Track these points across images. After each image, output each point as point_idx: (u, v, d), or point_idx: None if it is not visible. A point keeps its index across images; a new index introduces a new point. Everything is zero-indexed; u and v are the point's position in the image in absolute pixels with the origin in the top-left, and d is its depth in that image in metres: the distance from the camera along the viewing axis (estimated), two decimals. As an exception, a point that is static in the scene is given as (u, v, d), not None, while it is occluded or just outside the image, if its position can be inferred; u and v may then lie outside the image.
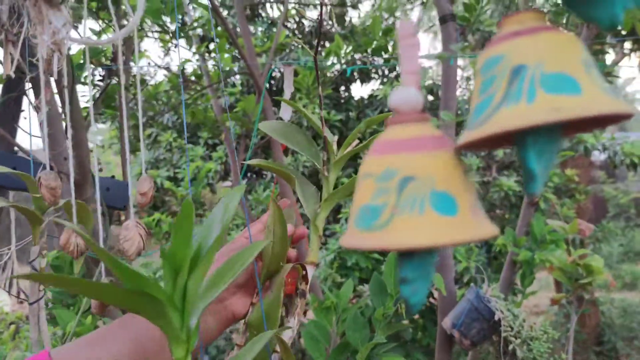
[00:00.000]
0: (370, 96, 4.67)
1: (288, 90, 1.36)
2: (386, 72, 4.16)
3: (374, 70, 3.97)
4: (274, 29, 4.39)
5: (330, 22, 4.60)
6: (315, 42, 4.71)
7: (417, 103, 0.26)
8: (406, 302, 0.23)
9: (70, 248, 0.45)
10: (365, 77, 4.42)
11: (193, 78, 2.45)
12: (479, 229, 0.23)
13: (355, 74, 4.36)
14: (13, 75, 0.51)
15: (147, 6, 1.50)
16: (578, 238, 2.52)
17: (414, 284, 0.23)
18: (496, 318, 1.50)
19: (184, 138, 4.37)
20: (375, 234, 0.23)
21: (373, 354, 1.08)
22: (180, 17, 2.00)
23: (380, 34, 2.34)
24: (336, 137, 0.65)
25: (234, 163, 2.27)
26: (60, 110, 1.07)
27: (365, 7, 5.32)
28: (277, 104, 4.12)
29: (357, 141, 0.62)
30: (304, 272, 0.57)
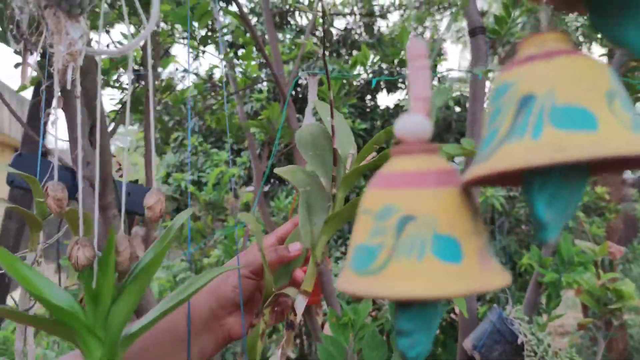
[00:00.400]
0: (397, 106, 4.63)
1: (312, 99, 1.35)
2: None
3: (400, 80, 3.93)
4: (302, 37, 4.41)
5: (358, 32, 4.58)
6: (342, 51, 4.70)
7: (424, 132, 0.24)
8: (403, 355, 0.21)
9: (72, 261, 0.45)
10: (392, 87, 4.39)
11: (222, 83, 2.46)
12: (487, 279, 0.21)
13: (381, 83, 4.33)
14: (28, 84, 0.50)
15: (175, 12, 1.51)
16: (608, 259, 2.43)
17: (412, 337, 0.21)
18: (519, 342, 1.45)
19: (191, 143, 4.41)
20: (369, 279, 0.21)
21: (388, 374, 1.05)
22: (210, 23, 2.01)
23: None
24: (353, 151, 0.61)
25: (256, 169, 2.27)
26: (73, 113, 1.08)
27: (394, 16, 5.24)
28: (301, 112, 4.12)
29: (374, 154, 0.58)
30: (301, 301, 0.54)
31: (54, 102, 0.57)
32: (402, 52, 2.39)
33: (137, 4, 0.51)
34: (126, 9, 0.59)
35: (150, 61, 0.52)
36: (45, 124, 1.45)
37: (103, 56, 1.37)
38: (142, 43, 0.54)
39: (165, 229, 0.56)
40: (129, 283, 0.44)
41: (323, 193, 0.56)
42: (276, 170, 0.58)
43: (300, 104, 4.06)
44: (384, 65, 2.88)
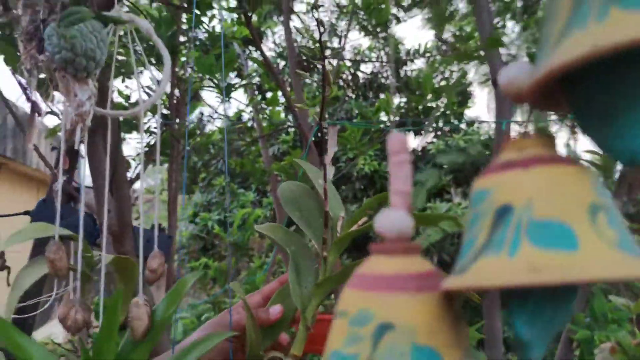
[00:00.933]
0: (423, 149, 4.62)
1: (331, 149, 1.35)
2: (440, 124, 4.11)
3: (427, 124, 3.93)
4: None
5: (385, 75, 4.64)
6: (369, 94, 4.75)
7: (405, 229, 0.23)
8: None
9: (68, 323, 0.44)
10: (418, 130, 4.40)
11: (247, 127, 2.50)
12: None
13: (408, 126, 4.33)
14: (32, 147, 0.51)
15: (201, 61, 1.56)
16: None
17: None
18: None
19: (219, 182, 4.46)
20: (342, 393, 0.20)
21: None
22: (235, 69, 2.07)
23: (431, 91, 2.33)
24: (343, 214, 0.60)
25: (279, 213, 2.28)
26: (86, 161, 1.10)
27: (420, 61, 5.28)
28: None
29: (365, 219, 0.57)
30: None
31: (60, 162, 0.58)
32: (427, 98, 2.40)
33: (146, 61, 0.52)
34: (143, 60, 0.61)
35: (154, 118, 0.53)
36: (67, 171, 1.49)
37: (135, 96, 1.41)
38: (158, 100, 0.56)
39: (176, 284, 0.56)
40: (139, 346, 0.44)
41: (309, 253, 0.56)
42: (256, 227, 0.58)
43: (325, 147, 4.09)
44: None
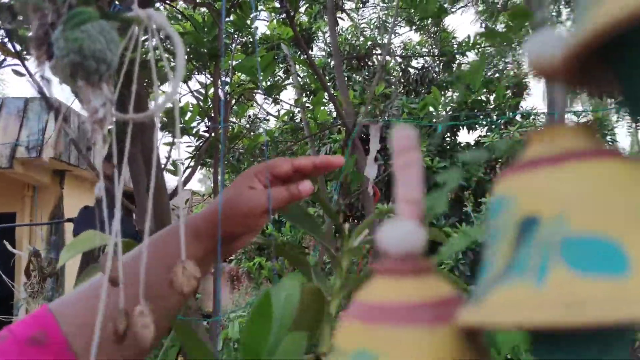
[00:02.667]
0: (477, 143, 4.45)
1: (374, 147, 1.31)
2: (494, 117, 3.95)
3: (481, 118, 3.78)
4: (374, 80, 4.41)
5: (436, 70, 4.52)
6: (421, 89, 4.64)
7: (415, 245, 0.19)
8: None
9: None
10: (471, 124, 4.24)
11: (294, 128, 2.49)
12: None
13: (461, 120, 4.19)
14: (58, 156, 0.50)
15: (242, 64, 1.55)
16: None
17: None
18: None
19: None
20: None
21: None
22: (281, 70, 2.06)
23: (480, 85, 2.23)
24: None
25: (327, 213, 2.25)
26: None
27: (472, 53, 5.08)
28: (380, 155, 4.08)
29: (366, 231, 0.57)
30: None
31: (98, 168, 0.57)
32: (475, 94, 2.30)
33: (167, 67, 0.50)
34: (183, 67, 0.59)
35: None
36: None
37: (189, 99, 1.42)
38: (169, 104, 0.54)
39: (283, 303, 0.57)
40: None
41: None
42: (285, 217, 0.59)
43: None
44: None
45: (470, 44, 3.25)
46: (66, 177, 4.86)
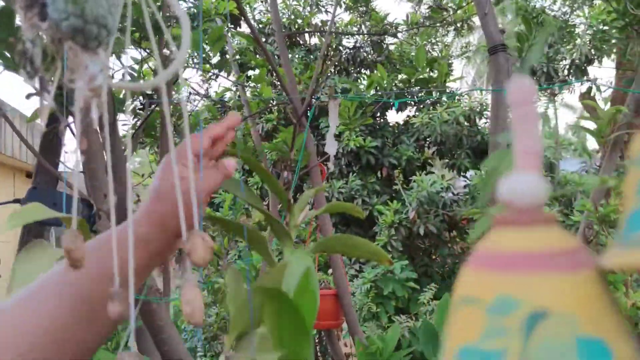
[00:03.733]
0: (406, 122, 4.59)
1: (333, 123, 1.31)
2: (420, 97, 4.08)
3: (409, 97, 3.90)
4: (311, 56, 4.39)
5: (367, 50, 4.57)
6: (351, 69, 4.69)
7: (539, 195, 0.20)
8: None
9: (112, 317, 0.41)
10: (401, 104, 4.36)
11: (235, 106, 2.44)
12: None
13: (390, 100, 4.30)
14: (44, 126, 0.46)
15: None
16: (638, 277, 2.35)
17: None
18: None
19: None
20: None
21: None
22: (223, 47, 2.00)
23: (424, 64, 2.29)
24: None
25: (272, 192, 2.24)
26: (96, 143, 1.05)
27: (401, 35, 5.18)
28: (314, 133, 4.09)
29: (308, 206, 0.61)
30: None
31: (77, 142, 0.53)
32: (418, 72, 2.36)
33: (150, 32, 0.47)
34: (154, 38, 0.56)
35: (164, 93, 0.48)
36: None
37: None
38: (170, 75, 0.51)
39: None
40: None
41: None
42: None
43: (310, 125, 4.04)
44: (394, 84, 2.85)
45: (408, 24, 3.32)
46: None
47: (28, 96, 1.26)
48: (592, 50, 3.61)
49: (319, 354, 3.73)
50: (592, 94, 3.32)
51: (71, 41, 0.48)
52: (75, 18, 0.44)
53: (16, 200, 1.00)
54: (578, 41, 3.45)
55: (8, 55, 1.16)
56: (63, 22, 0.44)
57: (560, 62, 3.56)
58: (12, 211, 1.04)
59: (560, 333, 0.17)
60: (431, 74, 2.58)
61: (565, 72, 3.51)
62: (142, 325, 1.08)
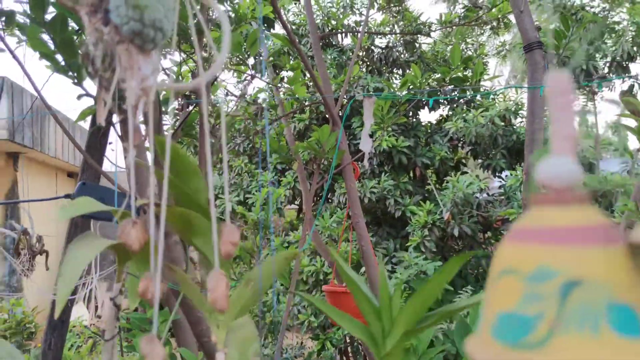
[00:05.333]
0: (439, 122, 4.55)
1: (368, 121, 1.33)
2: (455, 97, 4.04)
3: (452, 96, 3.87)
4: (344, 56, 4.42)
5: (399, 49, 4.56)
6: (384, 69, 4.68)
7: (574, 177, 0.21)
8: None
9: (149, 296, 0.43)
10: (435, 103, 4.33)
11: (269, 106, 2.48)
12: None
13: (423, 99, 4.28)
14: (103, 123, 0.50)
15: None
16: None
17: None
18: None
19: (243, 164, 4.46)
20: (527, 354, 0.18)
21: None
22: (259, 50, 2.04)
23: (459, 62, 2.28)
24: None
25: (305, 191, 2.27)
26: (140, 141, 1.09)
27: (435, 34, 5.13)
28: (346, 133, 4.11)
29: None
30: None
31: (130, 138, 0.57)
32: (452, 70, 2.35)
33: (194, 35, 0.50)
34: (196, 39, 0.59)
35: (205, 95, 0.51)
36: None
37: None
38: (217, 74, 0.54)
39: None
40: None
41: None
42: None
43: (343, 124, 4.06)
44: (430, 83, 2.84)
45: (441, 23, 3.30)
46: (21, 160, 4.66)
47: (79, 97, 1.32)
48: (634, 47, 3.51)
49: (350, 354, 3.75)
50: (633, 92, 3.23)
51: (129, 43, 0.52)
52: (135, 22, 0.47)
53: (67, 196, 1.06)
54: (619, 38, 3.36)
55: (58, 59, 1.22)
56: (124, 26, 0.47)
57: (601, 60, 3.48)
58: (58, 205, 1.09)
59: (593, 299, 0.18)
60: (466, 72, 2.56)
61: (606, 69, 3.42)
62: (181, 316, 1.12)
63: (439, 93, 2.78)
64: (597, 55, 3.06)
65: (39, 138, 4.70)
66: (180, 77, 2.15)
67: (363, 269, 2.51)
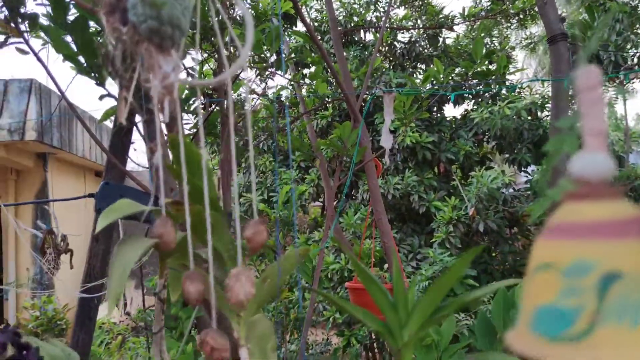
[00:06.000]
0: (464, 117, 4.49)
1: (388, 117, 1.32)
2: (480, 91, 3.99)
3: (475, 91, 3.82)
4: (366, 52, 4.40)
5: (422, 44, 4.52)
6: (407, 64, 4.65)
7: (607, 172, 0.21)
8: None
9: (185, 296, 0.44)
10: (458, 98, 4.28)
11: (290, 103, 2.49)
12: None
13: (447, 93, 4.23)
14: (125, 122, 0.51)
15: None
16: None
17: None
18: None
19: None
20: (567, 347, 0.18)
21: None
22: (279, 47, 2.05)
23: (482, 56, 2.25)
24: None
25: (328, 188, 2.27)
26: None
27: (459, 28, 5.08)
28: (368, 129, 4.09)
29: None
30: None
31: (157, 137, 0.57)
32: (475, 64, 2.32)
33: (218, 33, 0.50)
34: (221, 39, 0.59)
35: (230, 92, 0.51)
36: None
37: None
38: (238, 71, 0.54)
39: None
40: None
41: None
42: None
43: (365, 120, 4.05)
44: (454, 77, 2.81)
45: (465, 16, 3.25)
46: (49, 160, 4.77)
47: (101, 97, 1.34)
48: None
49: (375, 350, 3.74)
50: (664, 83, 3.13)
51: (148, 42, 0.52)
52: (152, 20, 0.47)
53: (90, 195, 1.08)
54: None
55: (81, 60, 1.24)
56: (142, 24, 0.48)
57: (630, 50, 3.39)
58: (84, 204, 1.11)
59: (633, 292, 0.18)
60: (489, 66, 2.52)
61: (635, 60, 3.33)
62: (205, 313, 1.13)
63: (463, 87, 2.74)
64: (627, 46, 2.98)
65: (67, 139, 4.81)
66: (202, 75, 2.17)
67: (386, 265, 2.50)
